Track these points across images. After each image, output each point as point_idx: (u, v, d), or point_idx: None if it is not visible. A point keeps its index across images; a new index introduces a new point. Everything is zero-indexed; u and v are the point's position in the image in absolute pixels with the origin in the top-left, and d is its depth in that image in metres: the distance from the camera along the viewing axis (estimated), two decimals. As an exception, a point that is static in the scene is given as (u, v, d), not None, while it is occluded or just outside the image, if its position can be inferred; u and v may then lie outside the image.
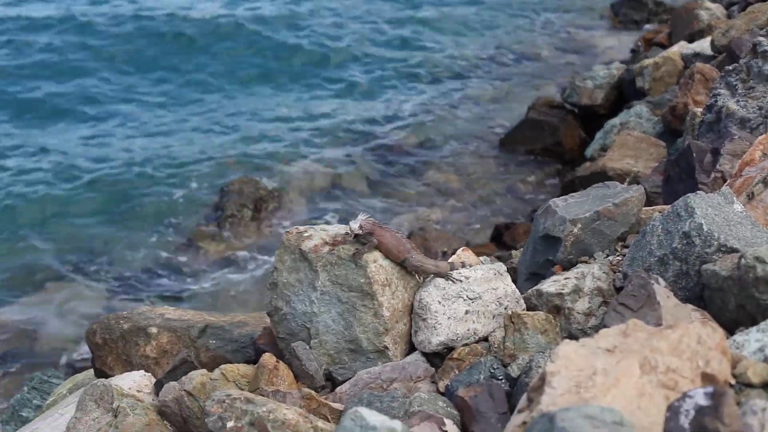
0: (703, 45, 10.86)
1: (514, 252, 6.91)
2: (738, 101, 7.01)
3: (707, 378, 3.30)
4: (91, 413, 4.62)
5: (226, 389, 4.22)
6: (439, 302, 4.74)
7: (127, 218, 13.19)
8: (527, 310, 4.89)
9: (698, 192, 4.67)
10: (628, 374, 3.27)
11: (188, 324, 5.73)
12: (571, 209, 5.30)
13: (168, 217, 13.14)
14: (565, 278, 4.97)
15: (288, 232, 5.07)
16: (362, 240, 4.84)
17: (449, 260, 5.04)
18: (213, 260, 12.02)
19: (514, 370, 4.37)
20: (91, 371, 6.22)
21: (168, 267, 11.94)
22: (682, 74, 10.43)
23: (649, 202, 5.87)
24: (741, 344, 3.59)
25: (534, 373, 4.04)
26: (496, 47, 19.00)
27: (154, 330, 5.69)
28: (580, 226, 5.17)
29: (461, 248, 5.37)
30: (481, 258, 5.42)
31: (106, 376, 5.50)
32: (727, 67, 7.44)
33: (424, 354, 4.79)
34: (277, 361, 4.73)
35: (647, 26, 18.71)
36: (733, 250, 4.31)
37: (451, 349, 4.73)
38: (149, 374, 5.24)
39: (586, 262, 5.11)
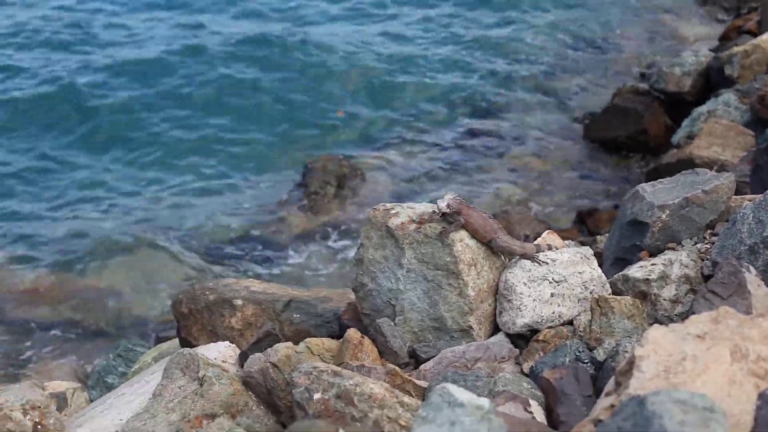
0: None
1: (599, 237, 6.88)
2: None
3: (800, 368, 3.27)
4: (177, 381, 4.67)
5: (312, 362, 4.27)
6: (525, 284, 4.73)
7: (215, 192, 13.41)
8: (613, 294, 4.87)
9: (792, 181, 4.61)
10: (718, 361, 3.26)
11: (273, 297, 5.78)
12: (660, 195, 5.26)
13: (254, 191, 13.32)
14: (652, 264, 4.93)
15: (375, 209, 5.08)
16: (449, 219, 4.82)
17: (535, 242, 5.03)
18: (296, 235, 12.17)
19: (599, 354, 4.36)
20: (176, 341, 6.31)
21: (253, 241, 12.13)
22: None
23: (737, 191, 5.79)
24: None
25: (621, 358, 4.03)
26: (580, 32, 18.76)
27: (239, 302, 5.75)
28: (668, 212, 5.13)
29: (546, 231, 5.36)
30: (566, 242, 5.40)
31: (191, 346, 5.55)
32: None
33: (508, 335, 4.79)
34: (362, 337, 4.76)
35: (737, 13, 18.31)
36: (827, 241, 4.25)
37: (534, 331, 4.72)
38: (234, 345, 5.28)
39: (673, 249, 5.07)
